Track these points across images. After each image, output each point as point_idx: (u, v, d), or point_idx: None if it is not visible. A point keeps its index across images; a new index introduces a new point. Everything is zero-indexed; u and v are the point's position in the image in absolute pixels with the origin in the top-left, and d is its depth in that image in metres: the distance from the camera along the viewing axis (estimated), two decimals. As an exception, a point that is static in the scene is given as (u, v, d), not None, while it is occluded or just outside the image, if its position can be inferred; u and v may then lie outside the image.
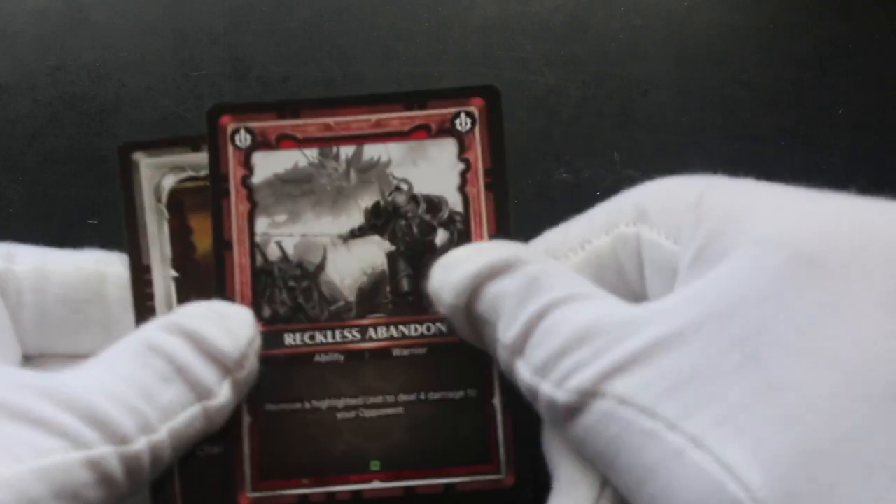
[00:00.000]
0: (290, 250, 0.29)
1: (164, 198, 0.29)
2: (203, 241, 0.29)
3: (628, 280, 0.26)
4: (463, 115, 0.29)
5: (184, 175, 0.29)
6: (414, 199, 0.29)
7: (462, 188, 0.29)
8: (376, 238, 0.29)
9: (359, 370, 0.29)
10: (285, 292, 0.29)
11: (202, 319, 0.26)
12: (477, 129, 0.29)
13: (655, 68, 0.39)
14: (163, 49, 0.39)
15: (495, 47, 0.39)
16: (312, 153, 0.29)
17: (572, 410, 0.23)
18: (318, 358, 0.29)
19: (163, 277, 0.29)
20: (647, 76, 0.38)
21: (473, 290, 0.25)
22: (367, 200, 0.29)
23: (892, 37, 0.39)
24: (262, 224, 0.29)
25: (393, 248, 0.29)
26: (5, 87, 0.39)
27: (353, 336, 0.29)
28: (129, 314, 0.29)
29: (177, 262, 0.29)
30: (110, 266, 0.29)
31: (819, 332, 0.20)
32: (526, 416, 0.27)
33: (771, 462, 0.19)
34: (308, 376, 0.29)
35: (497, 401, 0.28)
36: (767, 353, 0.20)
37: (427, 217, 0.29)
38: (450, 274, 0.26)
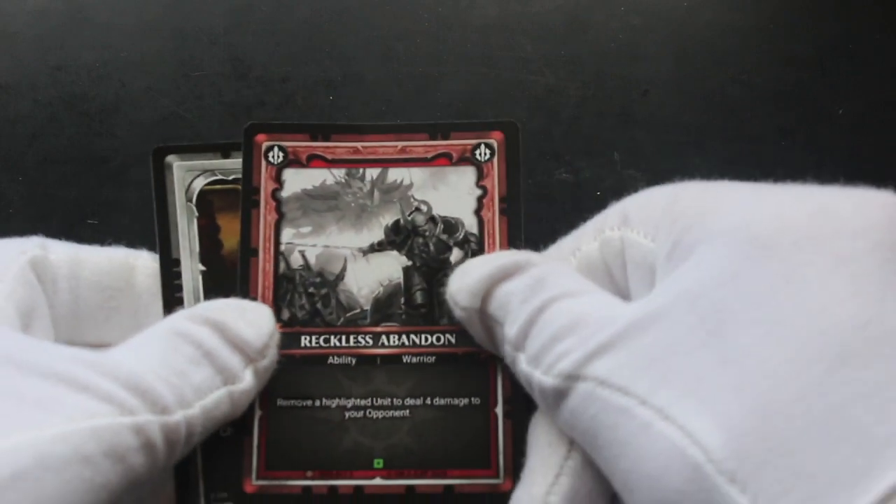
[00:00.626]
0: (312, 259, 0.31)
1: (195, 198, 0.32)
2: (229, 239, 0.32)
3: (615, 280, 0.28)
4: (483, 147, 0.32)
5: (213, 178, 0.32)
6: (432, 219, 0.31)
7: (478, 212, 0.31)
8: (394, 253, 0.31)
9: (369, 373, 0.30)
10: (305, 297, 0.31)
11: (226, 311, 0.28)
12: (495, 159, 0.32)
13: (655, 68, 0.39)
14: (163, 49, 0.39)
15: (495, 47, 0.39)
16: (340, 173, 0.32)
17: (559, 394, 0.25)
18: (331, 360, 0.30)
19: (191, 271, 0.31)
20: (647, 76, 0.38)
21: (486, 292, 0.28)
22: (388, 218, 0.32)
23: (892, 37, 0.39)
24: (287, 234, 0.31)
25: (409, 263, 0.31)
26: (5, 87, 0.39)
27: (367, 342, 0.31)
28: (157, 304, 0.31)
29: (204, 257, 0.31)
30: (139, 258, 0.31)
31: (774, 304, 0.21)
32: (525, 425, 0.28)
33: (728, 426, 0.20)
34: (321, 376, 0.30)
35: (499, 410, 0.30)
36: (728, 328, 0.22)
37: (444, 237, 0.31)
38: (465, 278, 0.28)
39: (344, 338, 0.31)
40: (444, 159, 0.32)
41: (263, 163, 0.32)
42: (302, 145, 0.32)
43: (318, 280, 0.31)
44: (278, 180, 0.31)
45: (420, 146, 0.32)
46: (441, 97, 0.38)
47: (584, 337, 0.24)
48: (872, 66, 0.39)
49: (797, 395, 0.20)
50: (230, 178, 0.32)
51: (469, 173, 0.31)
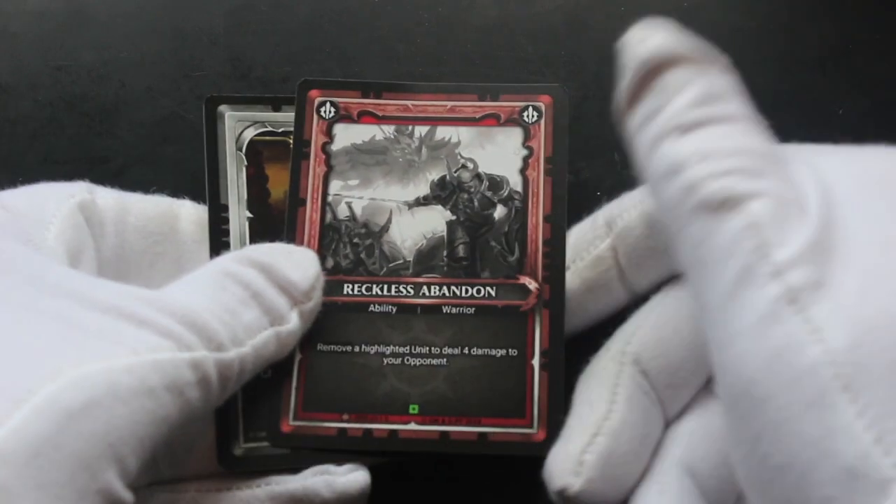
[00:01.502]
0: (358, 211, 0.32)
1: (244, 147, 0.33)
2: (276, 188, 0.33)
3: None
4: (531, 109, 0.33)
5: (263, 129, 0.33)
6: (478, 176, 0.32)
7: (523, 171, 0.32)
8: (439, 207, 0.32)
9: (409, 322, 0.31)
10: (349, 247, 0.32)
11: (273, 254, 0.29)
12: (542, 121, 0.32)
13: (655, 68, 0.39)
14: (163, 49, 0.39)
15: (495, 47, 0.39)
16: (389, 129, 0.33)
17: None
18: (372, 308, 0.31)
19: (238, 217, 0.32)
20: (647, 76, 0.38)
21: None
22: (434, 174, 0.32)
23: (892, 37, 0.39)
24: (335, 186, 0.32)
25: (453, 217, 0.32)
26: (5, 87, 0.39)
27: (408, 291, 0.31)
28: (201, 251, 0.31)
29: (252, 205, 0.32)
30: (183, 207, 0.32)
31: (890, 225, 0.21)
32: (561, 378, 0.29)
33: (857, 331, 0.20)
34: (362, 323, 0.31)
35: (535, 362, 0.30)
36: (850, 242, 0.21)
37: (488, 193, 0.32)
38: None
39: (386, 287, 0.31)
40: (492, 119, 0.32)
41: (315, 117, 0.33)
42: (353, 101, 0.33)
43: (363, 231, 0.32)
44: (329, 134, 0.33)
45: (469, 106, 0.33)
46: (441, 97, 0.38)
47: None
48: (872, 66, 0.39)
49: None
50: (279, 130, 0.33)
51: (516, 134, 0.32)
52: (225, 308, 0.26)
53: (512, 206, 0.32)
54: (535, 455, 0.29)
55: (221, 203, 0.32)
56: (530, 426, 0.30)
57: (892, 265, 0.20)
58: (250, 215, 0.32)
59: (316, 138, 0.32)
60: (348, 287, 0.31)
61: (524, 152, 0.32)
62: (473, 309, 0.31)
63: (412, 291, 0.31)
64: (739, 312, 0.21)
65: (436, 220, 0.32)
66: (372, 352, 0.31)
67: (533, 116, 0.32)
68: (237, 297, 0.27)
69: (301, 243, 0.31)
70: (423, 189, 0.32)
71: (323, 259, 0.31)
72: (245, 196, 0.32)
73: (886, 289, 0.20)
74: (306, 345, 0.31)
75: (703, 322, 0.23)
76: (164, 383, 0.23)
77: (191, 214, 0.32)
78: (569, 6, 0.39)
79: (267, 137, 0.33)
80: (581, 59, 0.39)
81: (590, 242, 0.31)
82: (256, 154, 0.33)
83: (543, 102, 0.32)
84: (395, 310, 0.31)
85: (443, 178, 0.32)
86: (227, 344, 0.25)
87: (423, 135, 0.33)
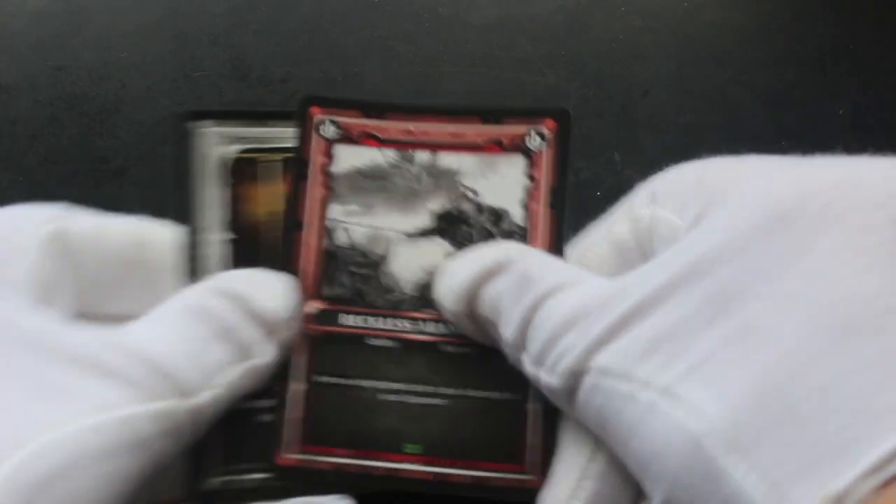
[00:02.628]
0: (357, 238, 0.31)
1: (224, 166, 0.31)
2: (258, 209, 0.31)
3: (647, 259, 0.28)
4: (534, 134, 0.31)
5: (243, 146, 0.31)
6: (479, 208, 0.31)
7: (525, 203, 0.31)
8: (439, 240, 0.31)
9: (408, 358, 0.30)
10: (347, 276, 0.31)
11: (248, 283, 0.28)
12: (546, 148, 0.31)
13: (655, 68, 0.39)
14: (163, 49, 0.39)
15: (495, 47, 0.39)
16: (391, 153, 0.31)
17: (568, 392, 0.24)
18: (370, 341, 0.30)
19: (217, 240, 0.31)
20: (647, 76, 0.38)
21: (472, 295, 0.27)
22: (435, 204, 0.31)
23: (892, 37, 0.39)
24: (334, 210, 0.31)
25: (454, 251, 0.31)
26: (5, 87, 0.39)
27: (406, 326, 0.30)
28: (177, 276, 0.30)
29: (232, 226, 0.31)
30: (162, 230, 0.30)
31: (787, 278, 0.21)
32: (558, 423, 0.28)
33: (729, 398, 0.20)
34: (358, 356, 0.30)
35: (531, 406, 0.30)
36: (737, 303, 0.21)
37: (489, 226, 0.31)
38: (449, 281, 0.28)
39: (383, 320, 0.31)
40: (496, 146, 0.31)
41: (315, 136, 0.31)
42: (355, 122, 0.32)
43: (361, 260, 0.31)
44: (329, 155, 0.31)
45: (472, 131, 0.32)
46: (441, 97, 0.38)
47: (583, 330, 0.24)
48: (872, 66, 0.39)
49: (799, 366, 0.20)
50: (263, 146, 0.31)
51: (519, 162, 0.31)
52: (195, 346, 0.25)
53: (513, 241, 0.31)
54: (529, 502, 0.28)
55: (199, 226, 0.30)
56: (525, 472, 0.29)
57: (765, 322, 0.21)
58: (230, 237, 0.31)
59: (315, 158, 0.31)
60: (345, 317, 0.30)
61: (527, 183, 0.31)
62: (472, 349, 0.30)
63: (410, 326, 0.30)
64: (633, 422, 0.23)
65: (436, 253, 0.31)
66: (369, 386, 0.30)
67: (536, 142, 0.31)
68: (209, 332, 0.26)
69: (297, 268, 0.30)
70: (424, 219, 0.31)
71: (319, 287, 0.30)
72: (225, 217, 0.31)
73: (751, 350, 0.21)
74: (306, 375, 0.30)
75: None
76: (133, 440, 0.23)
77: (171, 239, 0.30)
78: (569, 6, 0.39)
79: (250, 154, 0.31)
80: (581, 59, 0.39)
81: None
82: (238, 172, 0.31)
83: (548, 128, 0.31)
84: (393, 344, 0.30)
85: (444, 209, 0.31)
86: (197, 388, 0.25)
87: (424, 162, 0.32)
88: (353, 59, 0.39)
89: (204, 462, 0.29)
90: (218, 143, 0.31)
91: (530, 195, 0.31)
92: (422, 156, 0.32)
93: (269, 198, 0.31)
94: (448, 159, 0.32)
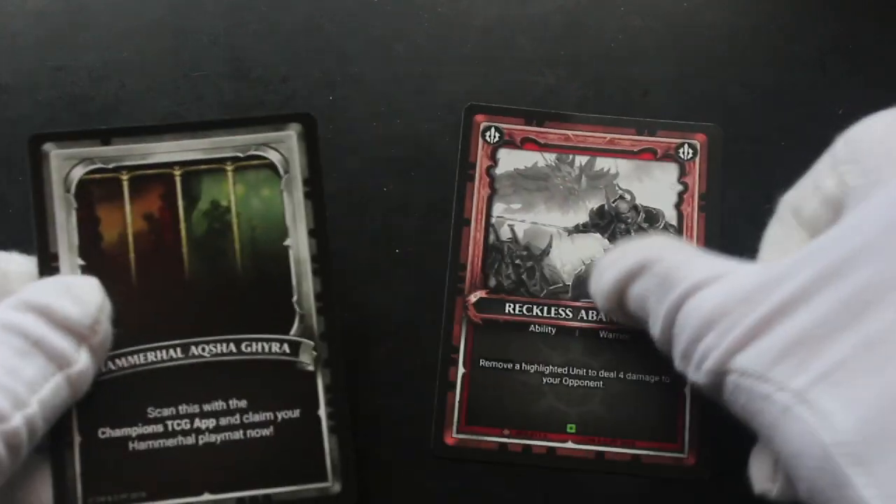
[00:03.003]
0: (520, 233, 0.34)
1: (73, 188, 0.30)
2: (110, 230, 0.30)
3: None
4: (686, 146, 0.35)
5: (93, 167, 0.30)
6: (635, 208, 0.34)
7: (678, 206, 0.34)
8: (597, 235, 0.34)
9: (568, 344, 0.33)
10: (511, 268, 0.34)
11: (50, 293, 0.27)
12: (697, 159, 0.35)
13: (655, 68, 0.39)
14: (163, 49, 0.39)
15: (495, 47, 0.39)
16: (551, 157, 0.35)
17: (714, 388, 0.25)
18: (532, 328, 0.33)
19: (69, 266, 0.30)
20: (647, 76, 0.38)
21: (620, 294, 0.29)
22: (593, 203, 0.34)
23: (892, 37, 0.39)
24: (498, 208, 0.34)
25: (611, 246, 0.34)
26: (5, 87, 0.39)
27: (567, 314, 0.33)
28: None
29: (83, 251, 0.30)
30: (11, 263, 0.29)
31: None
32: (713, 406, 0.29)
33: (860, 408, 0.21)
34: (522, 342, 0.33)
35: (688, 390, 0.32)
36: (872, 310, 0.22)
37: (645, 225, 0.34)
38: (599, 281, 0.29)
39: (546, 308, 0.33)
40: (649, 154, 0.35)
41: (481, 141, 0.35)
42: (517, 128, 0.35)
43: (524, 253, 0.34)
44: (493, 158, 0.35)
45: (627, 139, 0.35)
46: (441, 97, 0.38)
47: (722, 332, 0.25)
48: (872, 66, 0.39)
49: None
50: (110, 166, 0.30)
51: (672, 169, 0.34)
52: (5, 367, 0.25)
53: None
54: (686, 477, 0.31)
55: (50, 252, 0.30)
56: (681, 451, 0.32)
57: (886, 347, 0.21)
58: (82, 262, 0.30)
59: (481, 161, 0.35)
60: (510, 306, 0.33)
61: (679, 188, 0.34)
62: (629, 335, 0.33)
63: (571, 314, 0.33)
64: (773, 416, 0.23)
65: (594, 247, 0.34)
66: (532, 370, 0.33)
67: (688, 153, 0.34)
68: (17, 350, 0.25)
69: (464, 262, 0.33)
70: (583, 217, 0.34)
71: (486, 279, 0.33)
72: (76, 242, 0.30)
73: (881, 362, 0.21)
74: (469, 360, 0.32)
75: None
76: None
77: (21, 268, 0.29)
78: (569, 6, 0.39)
79: (97, 175, 0.30)
80: (581, 59, 0.39)
81: (784, 239, 0.31)
82: (86, 195, 0.30)
83: (699, 140, 0.35)
84: (554, 331, 0.33)
85: (601, 208, 0.34)
86: (8, 412, 0.24)
87: (583, 164, 0.35)
88: (353, 59, 0.39)
89: (69, 495, 0.28)
90: (65, 167, 0.30)
91: (683, 199, 0.34)
92: (580, 159, 0.35)
93: (118, 218, 0.30)
94: (605, 163, 0.35)
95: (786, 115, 0.38)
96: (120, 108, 0.38)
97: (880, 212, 0.23)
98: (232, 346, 0.29)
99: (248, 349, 0.30)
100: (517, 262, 0.33)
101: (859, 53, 0.39)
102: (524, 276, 0.33)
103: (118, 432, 0.29)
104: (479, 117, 0.35)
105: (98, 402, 0.29)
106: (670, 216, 0.34)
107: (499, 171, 0.34)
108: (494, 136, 0.35)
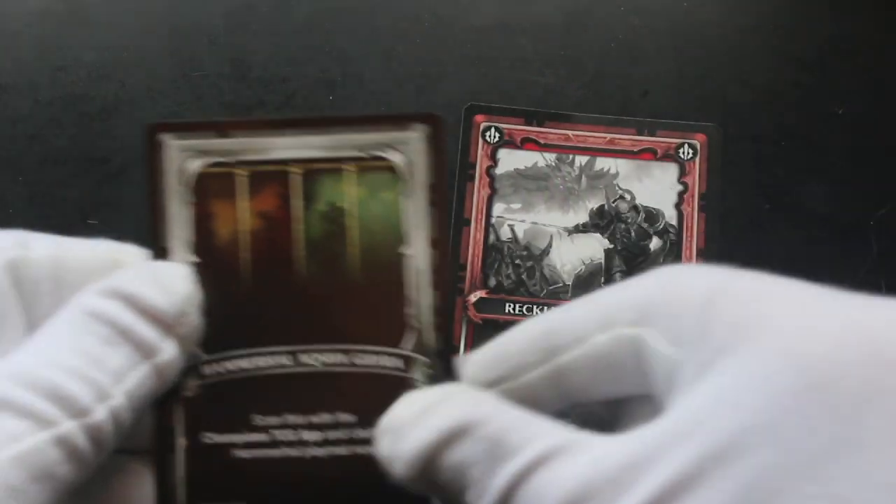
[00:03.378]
0: (520, 233, 0.35)
1: (189, 181, 0.29)
2: (224, 226, 0.29)
3: (625, 380, 0.24)
4: (686, 146, 0.35)
5: (210, 160, 0.29)
6: (635, 208, 0.35)
7: (678, 206, 0.35)
8: (597, 236, 0.35)
9: None
10: (511, 268, 0.34)
11: (138, 280, 0.26)
12: (697, 159, 0.35)
13: (655, 68, 0.39)
14: (163, 49, 0.39)
15: (495, 47, 0.39)
16: (551, 157, 0.35)
17: None
18: None
19: (182, 262, 0.29)
20: (647, 76, 0.38)
21: (428, 463, 0.23)
22: (593, 203, 0.35)
23: (892, 37, 0.39)
24: (498, 208, 0.35)
25: (611, 246, 0.34)
26: (5, 87, 0.39)
27: None
28: None
29: (197, 247, 0.29)
30: (126, 254, 0.29)
31: (833, 475, 0.18)
32: None
33: None
34: None
35: None
36: (778, 502, 0.18)
37: (645, 225, 0.35)
38: (399, 443, 0.24)
39: (546, 308, 0.33)
40: (649, 154, 0.35)
41: (481, 141, 0.35)
42: (517, 128, 0.36)
43: (524, 253, 0.34)
44: (493, 158, 0.35)
45: (627, 139, 0.35)
46: (441, 97, 0.38)
47: None
48: (872, 66, 0.39)
49: None
50: (229, 160, 0.29)
51: (672, 169, 0.35)
52: (89, 356, 0.24)
53: (667, 238, 0.34)
54: None
55: (163, 247, 0.29)
56: None
57: None
58: (195, 259, 0.29)
59: (481, 161, 0.35)
60: (510, 306, 0.33)
61: (679, 188, 0.35)
62: None
63: None
64: None
65: (594, 247, 0.34)
66: None
67: (688, 154, 0.35)
68: (103, 338, 0.25)
69: (465, 261, 0.33)
70: (583, 217, 0.35)
71: (486, 278, 0.33)
72: (190, 238, 0.29)
73: None
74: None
75: None
76: (30, 475, 0.22)
77: (134, 260, 0.29)
78: (569, 6, 0.39)
79: (215, 169, 0.29)
80: (581, 59, 0.39)
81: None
82: (203, 189, 0.29)
83: (699, 140, 0.35)
84: None
85: (601, 208, 0.35)
86: (93, 404, 0.23)
87: (582, 164, 0.35)
88: (353, 59, 0.39)
89: (171, 500, 0.28)
90: (181, 158, 0.29)
91: (682, 199, 0.34)
92: (580, 159, 0.35)
93: (233, 215, 0.29)
94: (605, 163, 0.35)
95: (786, 115, 0.38)
96: (120, 108, 0.38)
97: (760, 386, 0.20)
98: (343, 357, 0.28)
99: (360, 361, 0.28)
100: (517, 262, 0.34)
101: (859, 53, 0.39)
102: (524, 276, 0.33)
103: (223, 438, 0.28)
104: (479, 117, 0.35)
105: (203, 406, 0.28)
106: (670, 216, 0.34)
107: (499, 171, 0.35)
108: (494, 136, 0.35)
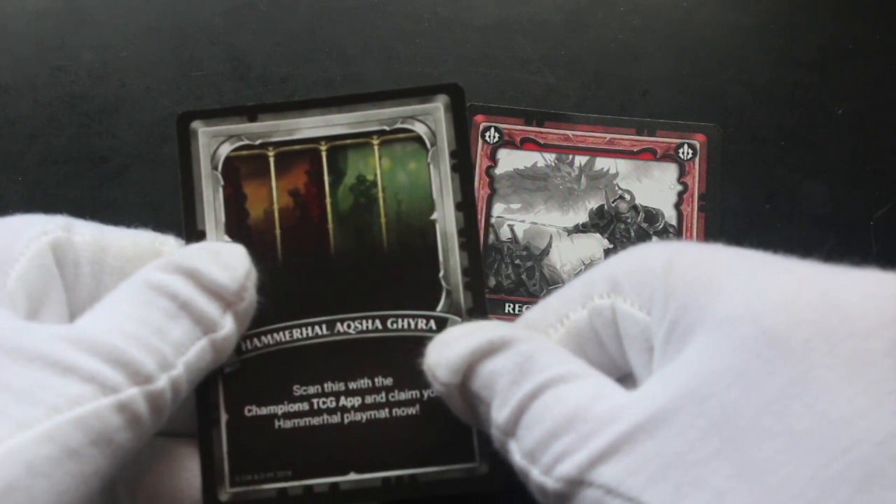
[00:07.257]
0: (519, 234, 0.34)
1: (220, 165, 0.30)
2: (256, 207, 0.30)
3: (608, 351, 0.26)
4: (686, 146, 0.35)
5: (239, 143, 0.30)
6: (635, 208, 0.34)
7: (678, 206, 0.34)
8: (597, 236, 0.34)
9: None
10: (511, 268, 0.34)
11: (199, 257, 0.27)
12: (697, 159, 0.35)
13: (655, 68, 0.39)
14: (163, 49, 0.39)
15: (495, 47, 0.39)
16: (550, 157, 0.35)
17: (561, 498, 0.22)
18: None
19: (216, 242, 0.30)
20: (647, 76, 0.38)
21: (469, 368, 0.25)
22: (592, 203, 0.35)
23: (892, 37, 0.39)
24: (498, 208, 0.34)
25: (611, 246, 0.34)
26: (5, 87, 0.39)
27: None
28: None
29: (230, 228, 0.30)
30: (166, 244, 0.30)
31: (790, 412, 0.20)
32: None
33: None
34: None
35: None
36: (743, 435, 0.20)
37: (644, 225, 0.34)
38: (445, 351, 0.26)
39: None
40: (649, 154, 0.35)
41: (480, 141, 0.35)
42: (517, 129, 0.35)
43: (524, 253, 0.34)
44: (493, 158, 0.35)
45: (627, 139, 0.35)
46: (441, 97, 0.38)
47: (585, 435, 0.22)
48: (872, 66, 0.39)
49: None
50: (257, 142, 0.30)
51: (672, 169, 0.35)
52: (152, 327, 0.25)
53: (667, 238, 0.34)
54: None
55: (198, 230, 0.30)
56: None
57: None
58: (229, 239, 0.30)
59: (480, 162, 0.35)
60: (510, 306, 0.33)
61: (679, 188, 0.34)
62: None
63: None
64: None
65: (594, 247, 0.34)
66: None
67: (688, 154, 0.35)
68: (165, 311, 0.25)
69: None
70: (582, 217, 0.34)
71: (486, 278, 0.33)
72: (223, 219, 0.30)
73: (768, 494, 0.20)
74: None
75: None
76: (90, 439, 0.22)
77: (174, 250, 0.29)
78: (569, 6, 0.39)
79: (244, 152, 0.30)
80: (581, 59, 0.39)
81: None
82: (233, 172, 0.30)
83: (699, 140, 0.35)
84: None
85: (601, 208, 0.35)
86: (155, 372, 0.24)
87: (582, 164, 0.35)
88: (353, 59, 0.39)
89: (216, 474, 0.28)
90: (212, 144, 0.30)
91: (682, 199, 0.34)
92: (580, 159, 0.35)
93: (264, 195, 0.30)
94: (605, 163, 0.35)
95: (786, 115, 0.38)
96: (120, 108, 0.38)
97: (721, 341, 0.21)
98: (378, 323, 0.29)
99: (394, 325, 0.29)
100: (517, 262, 0.33)
101: (859, 53, 0.39)
102: (524, 276, 0.33)
103: (264, 410, 0.29)
104: (478, 117, 0.35)
105: (244, 380, 0.28)
106: (670, 216, 0.34)
107: (498, 171, 0.34)
108: (494, 136, 0.35)
